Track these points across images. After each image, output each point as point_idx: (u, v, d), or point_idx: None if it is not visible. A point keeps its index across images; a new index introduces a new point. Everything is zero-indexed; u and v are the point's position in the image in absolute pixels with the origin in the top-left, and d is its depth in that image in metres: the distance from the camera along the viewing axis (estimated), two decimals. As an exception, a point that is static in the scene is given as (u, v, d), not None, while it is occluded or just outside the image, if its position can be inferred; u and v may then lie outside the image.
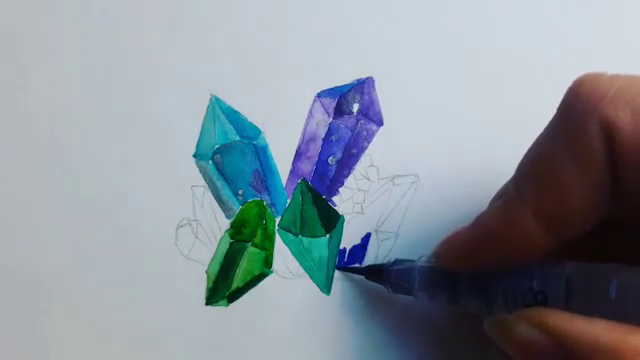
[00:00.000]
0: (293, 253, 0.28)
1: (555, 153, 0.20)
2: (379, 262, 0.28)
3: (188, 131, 0.28)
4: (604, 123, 0.19)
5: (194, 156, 0.28)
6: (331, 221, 0.28)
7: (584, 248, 0.22)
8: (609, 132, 0.18)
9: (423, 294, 0.25)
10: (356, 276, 0.28)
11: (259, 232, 0.28)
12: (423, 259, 0.25)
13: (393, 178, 0.29)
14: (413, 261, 0.25)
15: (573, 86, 0.20)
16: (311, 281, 0.28)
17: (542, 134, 0.21)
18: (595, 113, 0.19)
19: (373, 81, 0.29)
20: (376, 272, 0.26)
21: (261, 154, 0.28)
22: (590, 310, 0.19)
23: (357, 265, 0.28)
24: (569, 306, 0.20)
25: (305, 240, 0.28)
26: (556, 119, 0.20)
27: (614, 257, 0.20)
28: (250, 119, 0.28)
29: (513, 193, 0.21)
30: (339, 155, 0.29)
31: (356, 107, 0.29)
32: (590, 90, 0.19)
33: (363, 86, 0.29)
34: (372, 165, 0.29)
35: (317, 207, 0.28)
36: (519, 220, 0.20)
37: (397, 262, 0.26)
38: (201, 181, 0.28)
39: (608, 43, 0.29)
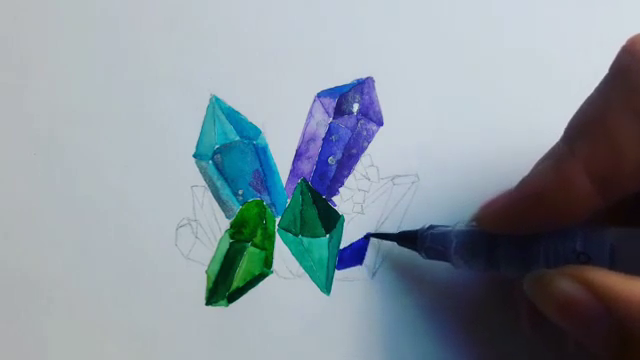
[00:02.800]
0: (293, 253, 0.28)
1: (610, 110, 0.19)
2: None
3: (188, 131, 0.28)
4: None
5: (194, 156, 0.28)
6: (331, 221, 0.28)
7: (626, 213, 0.21)
8: None
9: (459, 258, 0.24)
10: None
11: (259, 232, 0.28)
12: (460, 224, 0.24)
13: (393, 178, 0.29)
14: (448, 226, 0.25)
15: (628, 44, 0.20)
16: (311, 281, 0.28)
17: (594, 92, 0.20)
18: None
19: (373, 81, 0.29)
20: (410, 238, 0.26)
21: (261, 154, 0.28)
22: (634, 275, 0.19)
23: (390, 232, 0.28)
24: (613, 270, 0.19)
25: (305, 240, 0.28)
26: (610, 77, 0.20)
27: None
28: (250, 119, 0.28)
29: (565, 151, 0.20)
30: (339, 155, 0.29)
31: (356, 107, 0.29)
32: None
33: (363, 86, 0.29)
34: (372, 165, 0.29)
35: (317, 207, 0.28)
36: (573, 177, 0.20)
37: (432, 227, 0.25)
38: (201, 181, 0.28)
39: (608, 43, 0.29)
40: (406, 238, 0.26)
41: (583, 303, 0.19)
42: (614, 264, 0.20)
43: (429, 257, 0.25)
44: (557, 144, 0.22)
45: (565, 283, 0.19)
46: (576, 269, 0.20)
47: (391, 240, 0.27)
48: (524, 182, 0.21)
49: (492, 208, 0.22)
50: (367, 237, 0.28)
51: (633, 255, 0.20)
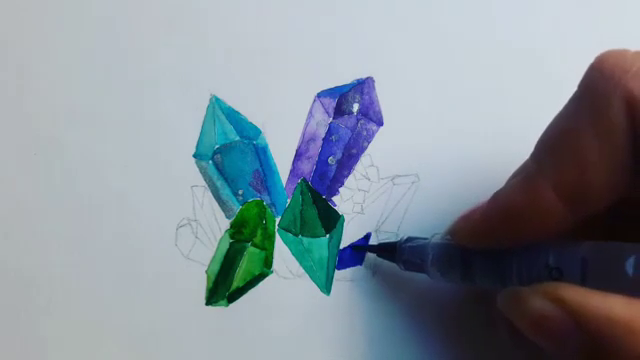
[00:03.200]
0: (293, 253, 0.28)
1: (577, 128, 0.19)
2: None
3: (188, 131, 0.28)
4: (627, 98, 0.19)
5: (194, 156, 0.28)
6: (331, 221, 0.28)
7: (598, 228, 0.21)
8: (632, 107, 0.18)
9: (436, 271, 0.24)
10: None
11: (259, 232, 0.28)
12: (437, 236, 0.25)
13: (393, 178, 0.29)
14: (426, 239, 0.25)
15: (596, 62, 0.20)
16: (311, 281, 0.28)
17: (563, 110, 0.21)
18: (618, 88, 0.19)
19: (373, 81, 0.29)
20: (389, 250, 0.26)
21: (261, 154, 0.28)
22: (605, 289, 0.19)
23: (371, 244, 0.28)
24: (584, 284, 0.20)
25: (305, 240, 0.28)
26: (578, 94, 0.20)
27: (627, 237, 0.20)
28: (250, 119, 0.28)
29: (533, 168, 0.21)
30: (339, 155, 0.29)
31: (356, 107, 0.29)
32: (613, 65, 0.19)
33: (363, 86, 0.29)
34: (372, 165, 0.29)
35: (317, 207, 0.28)
36: (540, 194, 0.20)
37: (410, 239, 0.26)
38: (201, 181, 0.28)
39: (609, 43, 0.29)
40: (385, 250, 0.27)
41: (555, 320, 0.19)
42: (585, 278, 0.20)
43: (407, 269, 0.26)
44: (527, 161, 0.23)
45: (537, 301, 0.20)
46: (548, 286, 0.20)
47: (371, 252, 0.28)
48: (495, 197, 0.22)
49: (465, 223, 0.23)
50: (353, 249, 0.28)
51: (604, 269, 0.20)
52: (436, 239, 0.25)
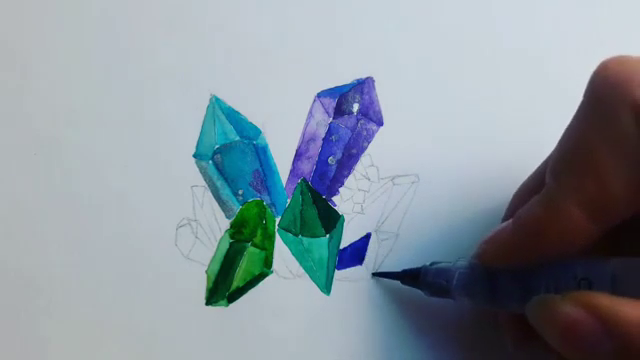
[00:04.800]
0: (293, 253, 0.28)
1: (589, 141, 0.20)
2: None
3: (188, 131, 0.28)
4: (635, 107, 0.18)
5: (194, 156, 0.28)
6: (331, 221, 0.28)
7: (625, 244, 0.21)
8: None
9: (462, 294, 0.24)
10: (388, 281, 0.28)
11: (259, 232, 0.28)
12: (461, 261, 0.25)
13: (393, 178, 0.29)
14: (450, 262, 0.25)
15: (599, 70, 0.20)
16: (311, 281, 0.28)
17: (573, 121, 0.21)
18: (625, 97, 0.19)
19: (373, 81, 0.29)
20: (413, 275, 0.26)
21: (261, 154, 0.28)
22: None
23: (393, 271, 0.28)
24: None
25: (305, 240, 0.28)
26: (585, 105, 0.20)
27: None
28: (250, 119, 0.28)
29: (553, 185, 0.21)
30: (339, 155, 0.29)
31: (356, 107, 0.29)
32: (617, 73, 0.19)
33: (363, 86, 0.29)
34: (372, 165, 0.29)
35: (317, 207, 0.28)
36: (563, 211, 0.20)
37: (434, 263, 0.26)
38: (201, 181, 0.28)
39: (609, 43, 0.29)
40: (409, 276, 0.26)
41: (586, 326, 0.19)
42: (615, 292, 0.20)
43: (432, 294, 0.26)
44: (536, 172, 0.23)
45: (568, 307, 0.19)
46: (579, 294, 0.20)
47: (394, 279, 0.27)
48: (519, 216, 0.22)
49: (491, 245, 0.23)
50: (373, 275, 0.28)
51: (634, 284, 0.20)
52: (461, 262, 0.25)
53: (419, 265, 0.26)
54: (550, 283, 0.21)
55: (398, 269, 0.27)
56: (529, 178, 0.25)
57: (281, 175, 0.29)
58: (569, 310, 0.19)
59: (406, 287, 0.27)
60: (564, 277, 0.21)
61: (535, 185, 0.24)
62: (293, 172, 0.29)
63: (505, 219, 0.26)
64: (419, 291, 0.26)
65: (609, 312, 0.18)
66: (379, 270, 0.28)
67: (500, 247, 0.22)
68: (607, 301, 0.19)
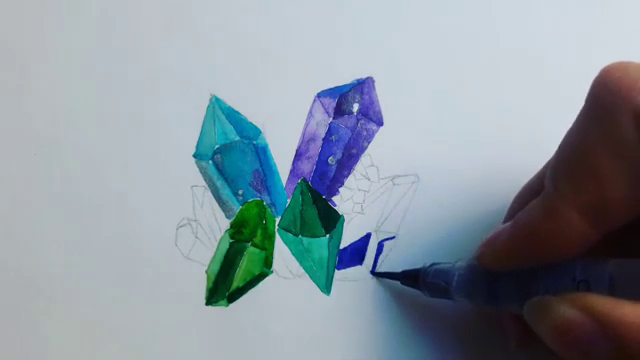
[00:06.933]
0: (293, 253, 0.28)
1: (589, 146, 0.20)
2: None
3: (188, 131, 0.28)
4: (636, 113, 0.19)
5: (194, 156, 0.28)
6: (331, 221, 0.28)
7: (619, 244, 0.21)
8: None
9: (461, 295, 0.24)
10: (388, 281, 0.28)
11: (259, 232, 0.28)
12: (460, 262, 0.25)
13: (393, 178, 0.29)
14: (450, 263, 0.25)
15: (600, 77, 0.20)
16: (311, 281, 0.28)
17: (573, 127, 0.21)
18: (626, 103, 0.19)
19: (373, 81, 0.29)
20: (413, 276, 0.26)
21: (261, 154, 0.28)
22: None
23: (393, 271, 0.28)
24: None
25: (305, 240, 0.28)
26: (586, 111, 0.20)
27: None
28: (250, 119, 0.28)
29: (551, 189, 0.21)
30: (339, 155, 0.29)
31: (356, 107, 0.29)
32: (618, 79, 0.19)
33: (363, 86, 0.29)
34: (372, 165, 0.29)
35: (317, 207, 0.28)
36: (562, 215, 0.20)
37: (434, 264, 0.26)
38: (201, 181, 0.28)
39: (609, 43, 0.29)
40: (409, 276, 0.27)
41: (582, 327, 0.19)
42: (613, 294, 0.20)
43: (431, 295, 0.26)
44: (537, 175, 0.23)
45: (565, 308, 0.20)
46: (576, 295, 0.20)
47: (394, 279, 0.27)
48: (518, 219, 0.22)
49: (490, 247, 0.23)
50: (373, 275, 0.28)
51: (632, 285, 0.20)
52: (460, 263, 0.25)
53: (419, 265, 0.26)
54: (549, 285, 0.22)
55: (398, 269, 0.27)
56: (530, 181, 0.26)
57: (281, 175, 0.29)
58: (565, 312, 0.19)
59: (406, 287, 0.27)
60: (563, 279, 0.21)
61: (536, 188, 0.24)
62: (293, 172, 0.29)
63: (506, 222, 0.26)
64: (419, 291, 0.26)
65: (606, 313, 0.19)
66: (379, 270, 0.28)
67: (499, 250, 0.23)
68: (604, 302, 0.19)
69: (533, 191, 0.24)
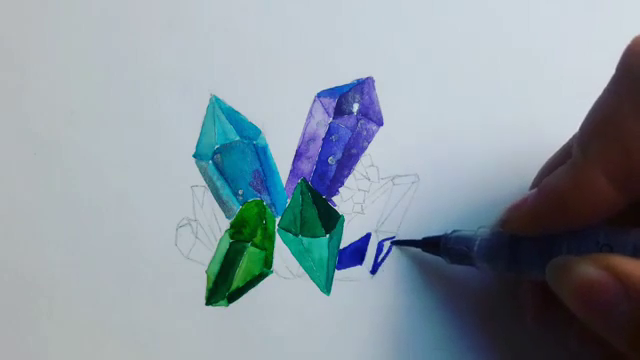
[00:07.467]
0: (293, 253, 0.28)
1: (619, 111, 0.20)
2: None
3: (188, 131, 0.28)
4: None
5: (194, 156, 0.28)
6: (331, 221, 0.28)
7: None
8: None
9: (483, 260, 0.24)
10: (407, 249, 0.27)
11: (259, 232, 0.28)
12: (482, 229, 0.25)
13: (393, 178, 0.29)
14: (472, 231, 0.25)
15: (631, 45, 0.20)
16: (311, 281, 0.28)
17: (603, 94, 0.21)
18: None
19: (373, 81, 0.29)
20: (434, 242, 0.26)
21: (261, 154, 0.28)
22: None
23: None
24: None
25: (305, 240, 0.28)
26: (616, 78, 0.21)
27: None
28: (250, 119, 0.28)
29: (579, 155, 0.21)
30: (339, 155, 0.29)
31: (356, 107, 0.29)
32: None
33: (363, 86, 0.29)
34: (372, 165, 0.29)
35: (317, 207, 0.28)
36: (589, 180, 0.20)
37: (455, 231, 0.26)
38: (201, 181, 0.28)
39: (609, 43, 0.29)
40: (430, 243, 0.27)
41: (604, 287, 0.19)
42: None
43: (452, 261, 0.26)
44: (564, 146, 0.23)
45: (587, 268, 0.20)
46: (598, 255, 0.20)
47: (416, 246, 0.27)
48: (545, 185, 0.22)
49: (516, 212, 0.23)
50: (393, 244, 0.28)
51: None
52: (482, 229, 0.25)
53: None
54: (572, 249, 0.21)
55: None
56: (557, 152, 0.25)
57: (281, 175, 0.29)
58: (587, 270, 0.19)
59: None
60: (586, 243, 0.21)
61: (563, 158, 0.24)
62: (293, 172, 0.29)
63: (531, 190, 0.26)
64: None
65: (629, 274, 0.18)
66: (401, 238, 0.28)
67: (525, 215, 0.23)
68: (627, 263, 0.19)
69: (559, 162, 0.24)
